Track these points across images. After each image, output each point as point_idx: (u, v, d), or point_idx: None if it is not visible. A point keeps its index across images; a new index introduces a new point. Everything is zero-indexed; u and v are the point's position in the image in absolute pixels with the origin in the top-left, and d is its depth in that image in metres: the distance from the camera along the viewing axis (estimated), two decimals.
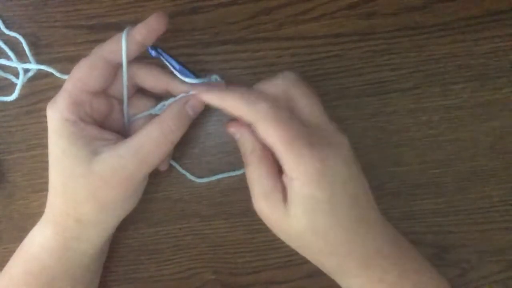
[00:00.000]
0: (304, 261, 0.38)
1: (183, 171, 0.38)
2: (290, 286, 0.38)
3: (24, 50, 0.37)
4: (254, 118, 0.29)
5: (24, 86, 0.37)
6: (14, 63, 0.37)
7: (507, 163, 0.38)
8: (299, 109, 0.30)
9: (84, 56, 0.34)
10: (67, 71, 0.38)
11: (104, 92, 0.33)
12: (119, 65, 0.32)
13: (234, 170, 0.38)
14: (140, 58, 0.33)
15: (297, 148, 0.28)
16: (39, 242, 0.33)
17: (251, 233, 0.38)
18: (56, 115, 0.30)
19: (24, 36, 0.38)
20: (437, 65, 0.37)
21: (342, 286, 0.33)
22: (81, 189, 0.30)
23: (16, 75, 0.38)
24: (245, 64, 0.38)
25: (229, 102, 0.30)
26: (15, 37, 0.38)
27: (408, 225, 0.38)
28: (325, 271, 0.33)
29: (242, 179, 0.38)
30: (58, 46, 0.38)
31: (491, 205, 0.38)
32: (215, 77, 0.33)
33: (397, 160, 0.38)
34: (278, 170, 0.31)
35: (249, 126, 0.31)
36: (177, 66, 0.31)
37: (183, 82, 0.32)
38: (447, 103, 0.38)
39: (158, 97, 0.35)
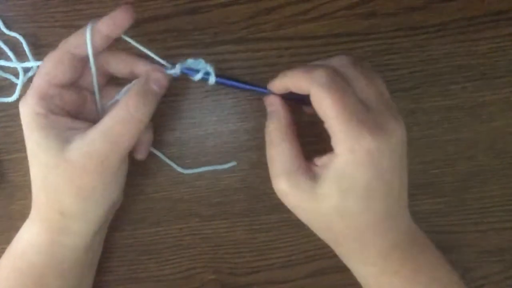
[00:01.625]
0: (304, 261, 0.38)
1: (169, 162, 0.37)
2: (290, 286, 0.38)
3: (24, 50, 0.37)
4: (310, 84, 0.28)
5: (24, 86, 0.37)
6: (14, 63, 0.37)
7: (507, 163, 0.38)
8: (356, 90, 0.29)
9: None
10: None
11: (74, 85, 0.33)
12: (87, 58, 0.31)
13: (233, 170, 0.38)
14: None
15: (349, 122, 0.27)
16: (26, 239, 0.32)
17: (251, 233, 0.38)
18: (27, 110, 0.31)
19: (24, 36, 0.38)
20: (437, 65, 0.37)
21: (354, 271, 0.33)
22: (59, 180, 0.30)
23: (16, 75, 0.38)
24: (245, 64, 0.38)
25: (287, 75, 0.30)
26: (15, 37, 0.38)
27: None
28: (340, 254, 0.33)
29: (242, 179, 0.38)
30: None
31: (491, 205, 0.38)
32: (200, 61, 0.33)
33: None
34: (302, 153, 0.31)
35: (284, 104, 0.32)
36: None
37: (147, 62, 0.33)
38: (447, 103, 0.38)
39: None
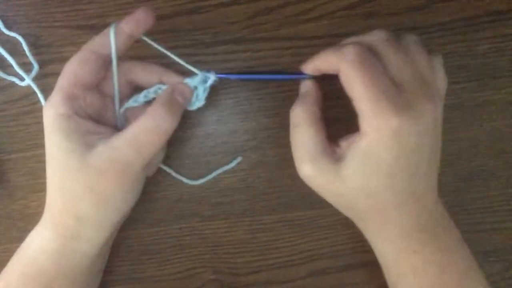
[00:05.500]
0: (304, 261, 0.38)
1: (178, 176, 0.38)
2: (290, 286, 0.38)
3: (24, 50, 0.37)
4: (339, 62, 0.28)
5: (24, 86, 0.38)
6: (16, 67, 0.37)
7: (507, 163, 0.38)
8: (387, 67, 0.28)
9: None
10: None
11: (97, 88, 0.33)
12: (110, 59, 0.32)
13: (233, 170, 0.38)
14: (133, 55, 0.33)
15: (376, 100, 0.27)
16: (38, 244, 0.32)
17: (251, 233, 0.38)
18: (51, 111, 0.31)
19: (24, 36, 0.38)
20: None
21: (374, 248, 0.33)
22: (78, 184, 0.30)
23: (16, 75, 0.38)
24: (245, 64, 0.38)
25: (318, 55, 0.30)
26: (15, 37, 0.38)
27: None
28: (362, 229, 0.33)
29: (242, 179, 0.38)
30: (58, 46, 0.38)
31: (491, 205, 0.38)
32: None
33: None
34: (326, 136, 0.31)
35: (319, 89, 0.32)
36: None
37: (176, 73, 0.34)
38: (447, 103, 0.37)
39: None
